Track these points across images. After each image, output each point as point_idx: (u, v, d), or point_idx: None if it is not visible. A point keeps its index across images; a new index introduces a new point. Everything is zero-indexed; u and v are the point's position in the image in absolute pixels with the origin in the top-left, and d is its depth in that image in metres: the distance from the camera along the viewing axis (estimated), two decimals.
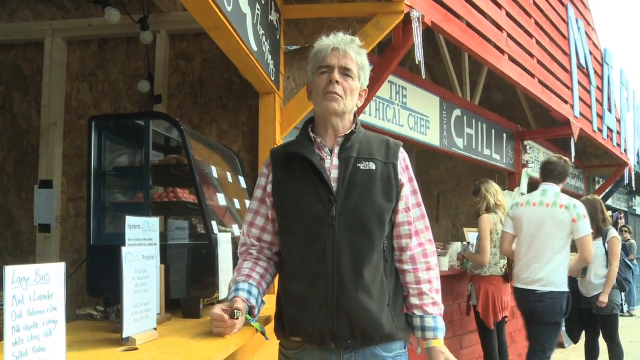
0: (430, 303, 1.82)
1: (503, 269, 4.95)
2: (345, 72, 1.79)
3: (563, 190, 4.20)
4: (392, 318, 1.76)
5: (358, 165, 1.78)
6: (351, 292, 1.70)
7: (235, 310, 1.71)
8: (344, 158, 1.79)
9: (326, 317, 1.71)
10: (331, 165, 1.80)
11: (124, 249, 1.77)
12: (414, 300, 1.83)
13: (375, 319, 1.71)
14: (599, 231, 5.29)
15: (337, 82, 1.77)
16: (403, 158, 1.86)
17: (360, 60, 1.83)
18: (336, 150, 1.82)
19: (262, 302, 1.91)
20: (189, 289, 2.33)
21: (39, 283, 1.23)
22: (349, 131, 1.83)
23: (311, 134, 1.85)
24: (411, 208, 1.84)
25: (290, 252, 1.83)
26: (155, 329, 1.89)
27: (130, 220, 1.95)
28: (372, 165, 1.78)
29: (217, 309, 1.74)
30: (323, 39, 1.85)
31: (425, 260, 1.84)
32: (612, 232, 5.26)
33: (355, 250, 1.72)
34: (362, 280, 1.70)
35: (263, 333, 1.83)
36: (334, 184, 1.76)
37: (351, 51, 1.80)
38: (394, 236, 1.84)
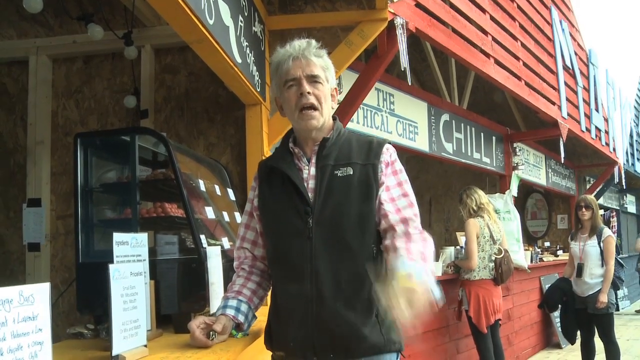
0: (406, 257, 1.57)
1: (492, 272, 4.95)
2: (313, 79, 1.74)
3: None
4: (381, 330, 1.66)
5: (335, 172, 1.71)
6: (330, 305, 1.64)
7: (211, 332, 1.74)
8: (321, 167, 1.73)
9: (307, 332, 1.66)
10: (309, 175, 1.75)
11: (111, 267, 1.75)
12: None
13: (358, 331, 1.63)
14: (593, 230, 5.30)
15: (308, 93, 1.72)
16: (389, 155, 1.77)
17: (323, 62, 1.77)
18: (314, 159, 1.77)
19: (254, 316, 1.89)
20: (179, 304, 2.32)
21: (23, 305, 1.22)
22: (322, 139, 1.77)
23: (290, 144, 1.82)
24: (396, 198, 1.71)
25: (273, 267, 1.83)
26: (145, 345, 1.87)
27: (117, 237, 1.94)
28: (350, 171, 1.71)
29: (194, 325, 1.76)
30: (279, 50, 1.79)
31: (407, 232, 1.64)
32: (607, 232, 5.27)
33: (334, 261, 1.65)
34: (342, 292, 1.64)
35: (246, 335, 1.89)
36: (311, 195, 1.70)
37: (312, 56, 1.74)
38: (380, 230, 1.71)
